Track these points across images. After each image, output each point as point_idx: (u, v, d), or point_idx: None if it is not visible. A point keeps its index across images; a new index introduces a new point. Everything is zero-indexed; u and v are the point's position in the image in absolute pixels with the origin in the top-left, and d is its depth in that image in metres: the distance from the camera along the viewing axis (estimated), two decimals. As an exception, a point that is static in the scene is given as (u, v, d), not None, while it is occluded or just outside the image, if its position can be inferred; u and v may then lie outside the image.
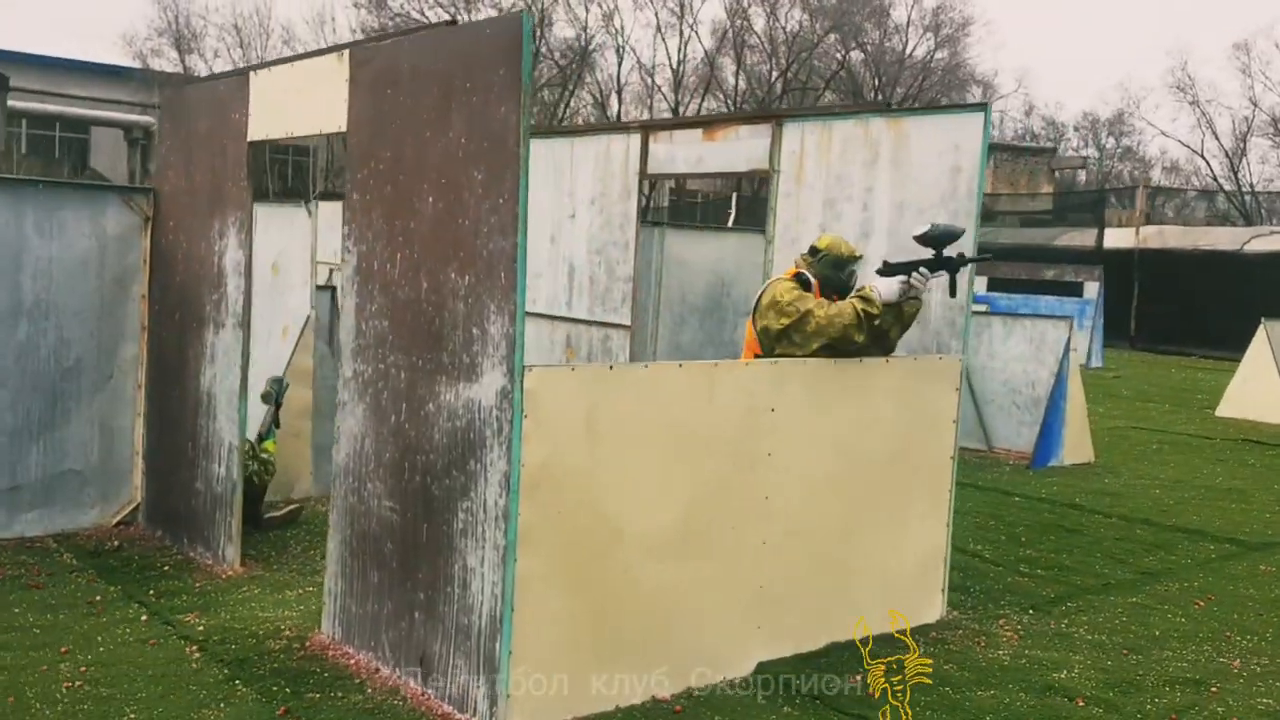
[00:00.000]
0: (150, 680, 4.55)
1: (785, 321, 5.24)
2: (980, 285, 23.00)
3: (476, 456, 4.24)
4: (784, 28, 52.23)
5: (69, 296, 6.48)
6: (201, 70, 49.39)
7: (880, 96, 52.36)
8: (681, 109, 52.85)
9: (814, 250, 5.54)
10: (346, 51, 4.93)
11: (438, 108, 4.38)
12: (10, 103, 44.99)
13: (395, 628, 4.68)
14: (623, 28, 51.75)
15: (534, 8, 50.27)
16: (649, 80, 52.06)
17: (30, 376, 6.40)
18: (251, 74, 5.70)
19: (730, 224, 30.88)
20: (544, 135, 8.32)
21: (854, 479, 5.28)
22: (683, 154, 7.09)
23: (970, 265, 5.38)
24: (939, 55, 52.58)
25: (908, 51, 52.66)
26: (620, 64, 52.59)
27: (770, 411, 4.90)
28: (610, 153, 7.53)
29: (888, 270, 5.35)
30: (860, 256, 5.59)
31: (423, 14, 48.92)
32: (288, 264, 8.08)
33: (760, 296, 5.38)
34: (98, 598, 5.52)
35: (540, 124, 47.64)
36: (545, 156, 8.04)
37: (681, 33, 52.30)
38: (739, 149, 6.75)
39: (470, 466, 4.27)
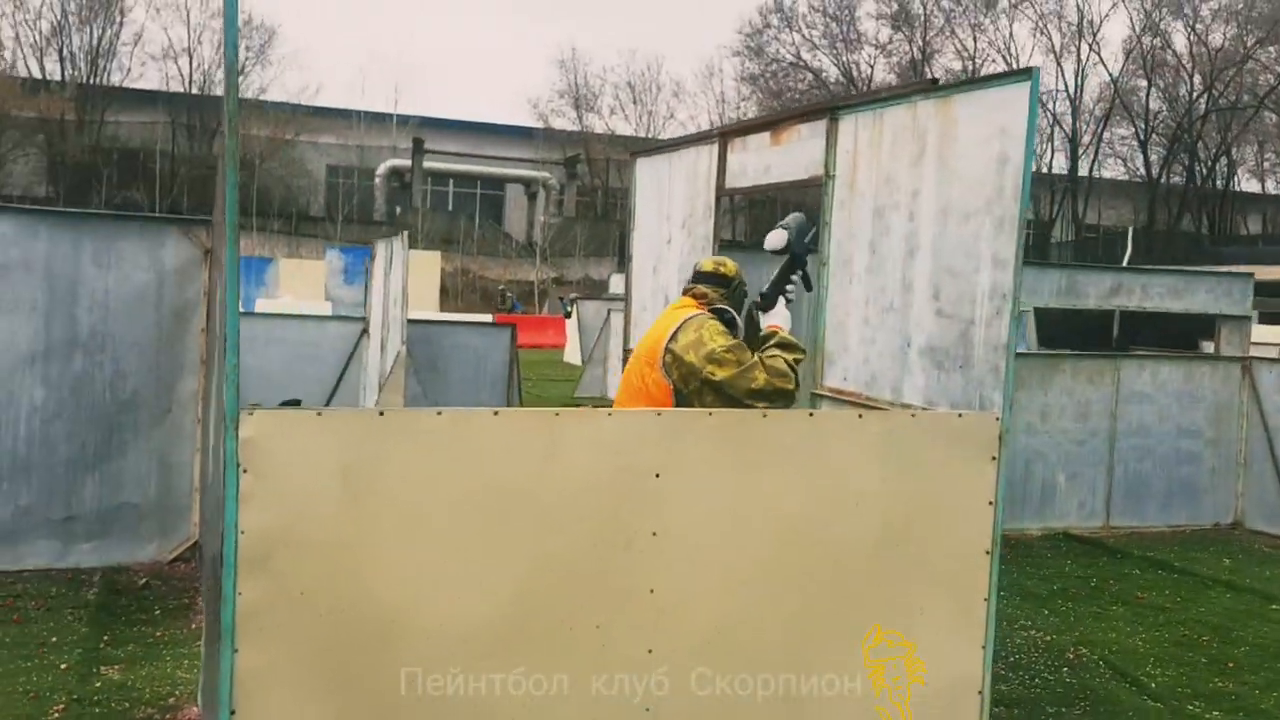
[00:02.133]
0: (-29, 741, 4.21)
1: (724, 374, 4.04)
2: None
3: (221, 518, 3.49)
4: (1206, 43, 46.57)
5: (126, 328, 6.49)
6: (599, 128, 52.55)
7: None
8: (1084, 138, 48.57)
9: (723, 279, 4.31)
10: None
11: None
12: (436, 164, 50.39)
13: (208, 708, 4.00)
14: (1015, 52, 48.47)
15: (914, 41, 48.64)
16: (1049, 111, 48.36)
17: (86, 408, 6.47)
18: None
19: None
20: (648, 153, 7.39)
21: (809, 574, 3.89)
22: (753, 163, 5.91)
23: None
24: None
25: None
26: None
27: (654, 478, 3.70)
28: (697, 166, 6.48)
29: (769, 302, 4.29)
30: None
31: (798, 57, 48.87)
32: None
33: (673, 335, 4.20)
34: (54, 639, 5.33)
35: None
36: (651, 177, 7.13)
37: (1081, 55, 48.26)
38: (799, 152, 5.48)
39: (219, 528, 3.52)
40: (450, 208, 51.95)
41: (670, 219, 6.84)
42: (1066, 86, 48.30)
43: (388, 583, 3.46)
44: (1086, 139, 49.01)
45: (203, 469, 6.53)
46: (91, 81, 44.48)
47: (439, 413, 3.58)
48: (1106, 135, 49.25)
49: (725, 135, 6.18)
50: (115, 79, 45.34)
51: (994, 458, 4.09)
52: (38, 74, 44.04)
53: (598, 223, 50.76)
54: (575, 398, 16.99)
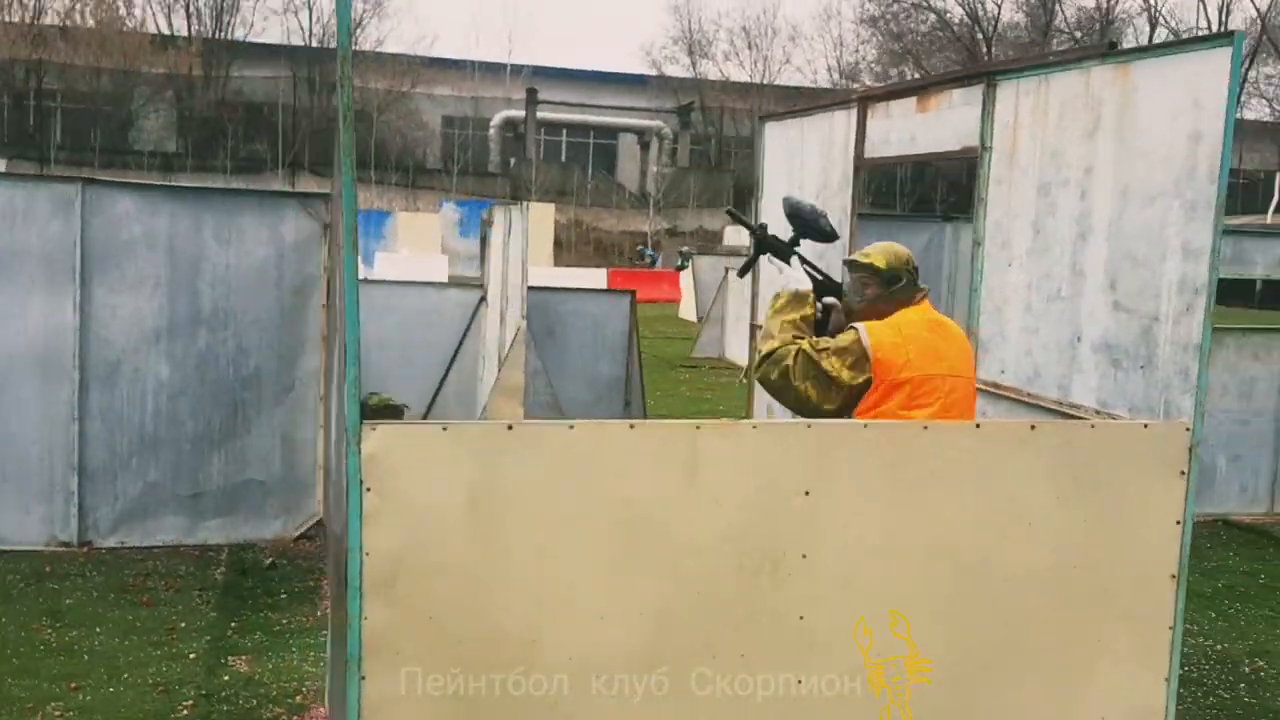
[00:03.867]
0: (102, 739, 4.17)
1: None
2: None
3: (346, 534, 3.31)
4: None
5: (248, 305, 6.42)
6: (712, 74, 51.68)
7: None
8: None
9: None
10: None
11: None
12: (549, 114, 50.26)
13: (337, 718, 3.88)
14: (1152, -10, 45.90)
15: (1043, -22, 46.34)
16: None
17: (210, 385, 6.43)
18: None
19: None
20: (779, 118, 6.97)
21: (975, 604, 3.55)
22: (896, 131, 5.47)
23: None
24: None
25: None
26: (1152, 33, 46.72)
27: (803, 495, 3.39)
28: (833, 134, 6.06)
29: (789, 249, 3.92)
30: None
31: (922, -2, 47.03)
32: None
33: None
34: (183, 624, 5.31)
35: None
36: (781, 143, 6.72)
37: (1226, -11, 45.41)
38: (949, 121, 5.03)
39: (345, 544, 3.35)
40: (563, 159, 51.83)
41: (803, 189, 6.43)
42: (1209, 23, 45.62)
43: (518, 608, 3.24)
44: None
45: (325, 447, 6.46)
46: (216, 36, 45.40)
47: (571, 426, 3.33)
48: (1252, 74, 46.41)
49: (865, 100, 5.75)
50: (239, 34, 46.22)
51: (1183, 472, 3.67)
52: (165, 30, 45.13)
53: (712, 173, 50.06)
54: (691, 358, 16.70)
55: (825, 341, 3.56)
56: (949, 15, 47.20)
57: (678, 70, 51.96)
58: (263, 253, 6.41)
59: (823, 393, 3.54)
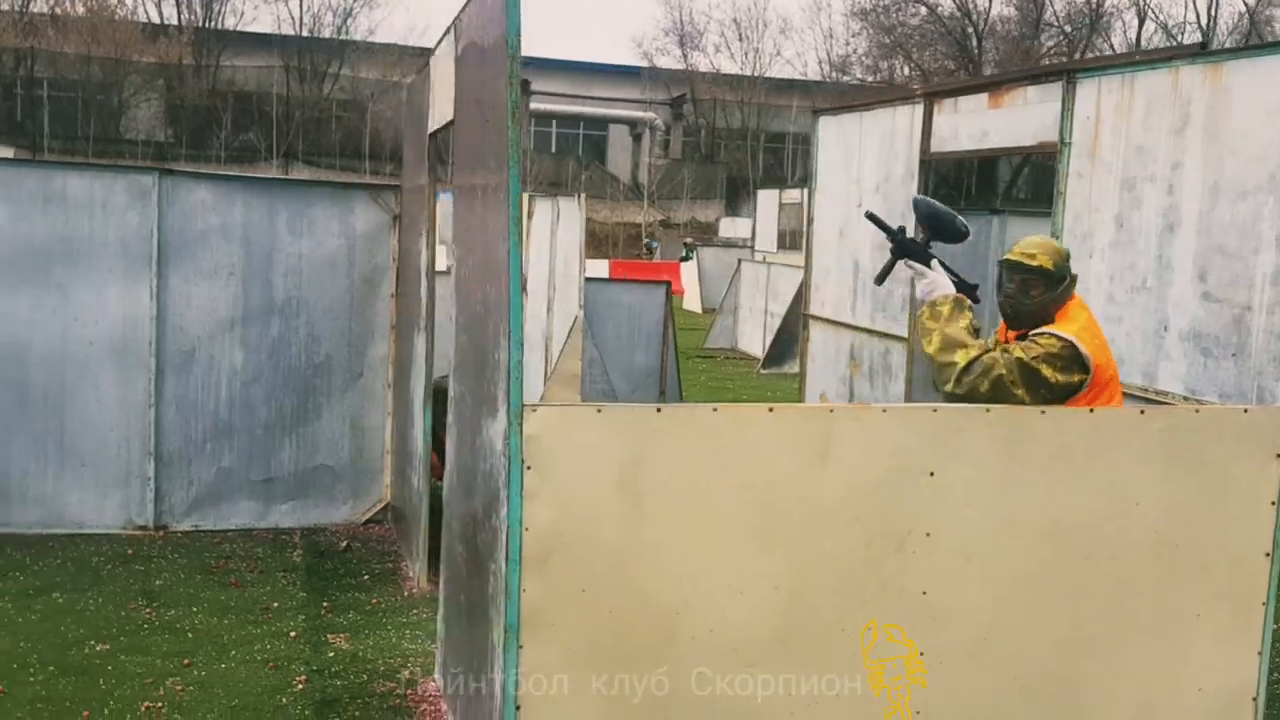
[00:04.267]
0: (227, 713, 4.30)
1: None
2: None
3: (497, 511, 3.45)
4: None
5: (319, 294, 6.54)
6: (703, 66, 51.79)
7: None
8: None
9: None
10: (452, 27, 4.32)
11: (483, 87, 3.63)
12: (538, 105, 50.26)
13: (463, 693, 4.03)
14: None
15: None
16: (1177, 44, 46.11)
17: (282, 372, 6.56)
18: (432, 60, 5.29)
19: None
20: (835, 112, 7.14)
21: (1081, 580, 3.72)
22: (966, 126, 5.64)
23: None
24: None
25: None
26: (1141, 27, 47.09)
27: (928, 476, 3.56)
28: (895, 128, 6.23)
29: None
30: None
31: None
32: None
33: None
34: (276, 604, 5.45)
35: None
36: (836, 137, 6.89)
37: (1214, -16, 45.76)
38: (1026, 117, 5.21)
39: (494, 521, 3.50)
40: (554, 149, 51.80)
41: (860, 182, 6.62)
42: (1198, 16, 46.02)
43: (665, 583, 3.40)
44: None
45: (394, 432, 6.61)
46: (207, 25, 45.20)
47: (714, 409, 3.50)
48: None
49: (931, 96, 5.93)
50: (229, 23, 46.02)
51: (1279, 455, 3.86)
52: (156, 19, 44.90)
53: (704, 164, 50.17)
54: (705, 348, 16.88)
55: (1033, 348, 3.60)
56: (940, 8, 47.40)
57: (669, 62, 52.06)
58: (334, 243, 6.54)
59: (1035, 397, 3.59)
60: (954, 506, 3.60)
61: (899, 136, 6.18)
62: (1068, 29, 44.88)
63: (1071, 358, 3.65)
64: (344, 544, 6.40)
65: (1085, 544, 3.74)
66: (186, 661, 4.73)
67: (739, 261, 17.46)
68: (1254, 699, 4.00)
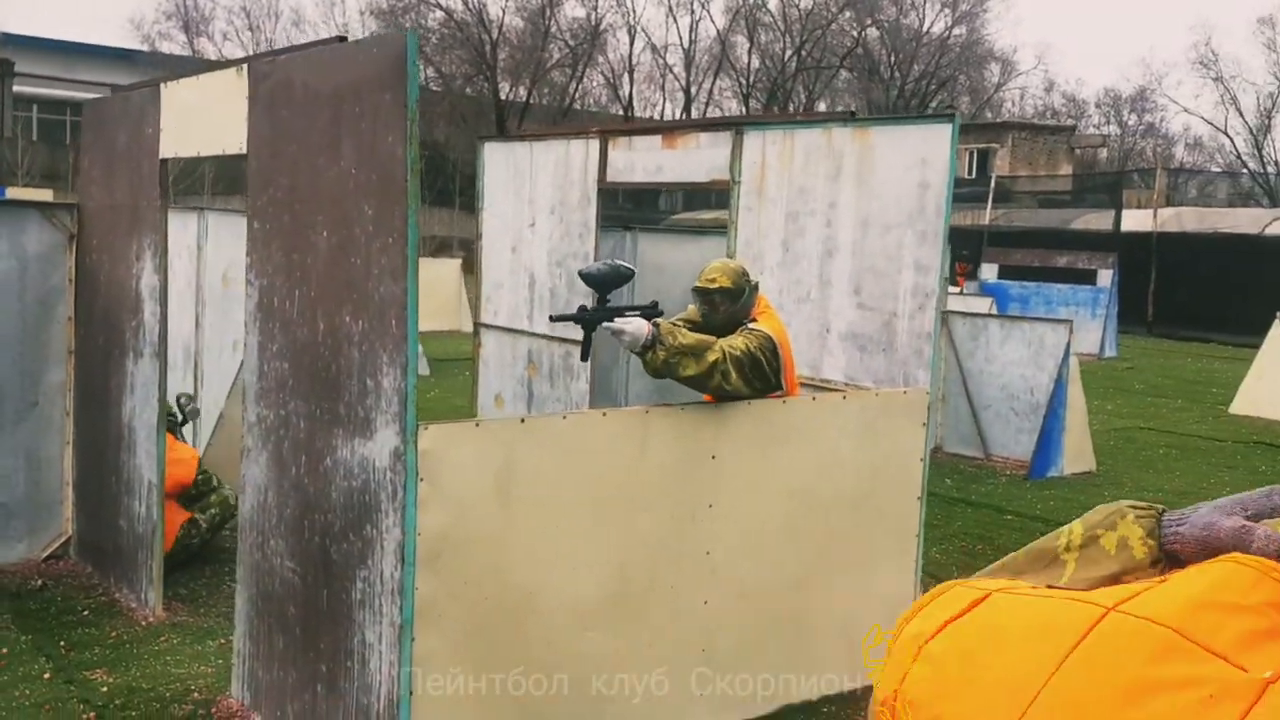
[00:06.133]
0: (32, 757, 4.19)
1: None
2: (990, 273, 22.42)
3: (372, 522, 3.84)
4: (798, 5, 51.39)
5: (-13, 320, 6.10)
6: (210, 54, 49.16)
7: (896, 75, 51.50)
8: (694, 88, 52.18)
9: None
10: (246, 66, 4.51)
11: (329, 132, 3.96)
12: (17, 88, 44.91)
13: (300, 699, 4.29)
14: (634, 7, 50.96)
15: (544, -14, 49.59)
16: (661, 61, 51.44)
17: (-54, 406, 6.04)
18: (163, 87, 5.29)
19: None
20: (503, 140, 7.87)
21: (809, 527, 4.84)
22: (642, 162, 6.64)
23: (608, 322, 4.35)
24: (956, 31, 51.62)
25: (925, 28, 51.72)
26: (632, 44, 51.92)
27: (711, 459, 4.47)
28: (570, 159, 7.09)
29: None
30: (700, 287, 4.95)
31: (432, -4, 48.29)
32: (239, 274, 7.68)
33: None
34: (4, 650, 5.16)
35: (549, 106, 47.14)
36: (506, 162, 7.61)
37: (693, 11, 51.61)
38: (699, 158, 6.30)
39: (366, 532, 3.87)
40: (35, 137, 46.59)
41: (534, 204, 7.39)
42: (681, 39, 51.59)
43: (528, 567, 4.01)
44: (695, 90, 52.69)
45: (76, 463, 6.36)
46: None
47: (564, 417, 4.16)
48: (711, 86, 53.18)
49: (605, 134, 6.83)
50: None
51: (924, 424, 5.20)
52: None
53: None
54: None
55: (752, 339, 4.60)
56: (455, 14, 48.91)
57: (174, 47, 48.88)
58: (3, 265, 6.12)
59: (753, 386, 4.59)
60: (728, 480, 4.53)
61: (574, 166, 7.02)
62: (572, 43, 48.34)
63: (772, 348, 4.76)
64: (39, 582, 6.05)
65: (809, 501, 4.84)
66: (-55, 720, 4.45)
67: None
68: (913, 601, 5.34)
